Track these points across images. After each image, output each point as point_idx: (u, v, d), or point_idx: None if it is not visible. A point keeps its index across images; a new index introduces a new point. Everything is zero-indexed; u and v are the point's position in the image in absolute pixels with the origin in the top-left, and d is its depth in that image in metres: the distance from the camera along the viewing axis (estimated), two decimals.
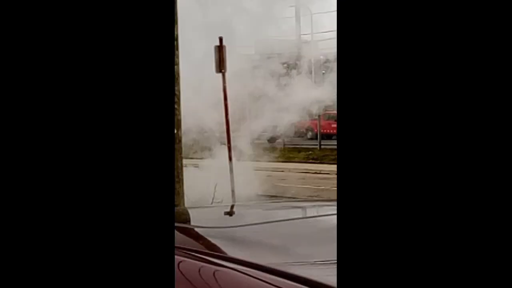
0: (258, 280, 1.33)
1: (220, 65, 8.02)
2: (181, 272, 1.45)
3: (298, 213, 2.53)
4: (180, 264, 1.47)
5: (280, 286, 1.29)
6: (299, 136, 22.33)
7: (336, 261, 1.10)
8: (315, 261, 1.49)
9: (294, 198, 11.62)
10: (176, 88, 5.52)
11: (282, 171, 16.31)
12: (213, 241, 1.81)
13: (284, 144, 21.51)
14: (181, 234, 1.83)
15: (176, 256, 1.37)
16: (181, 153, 5.79)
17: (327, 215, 2.23)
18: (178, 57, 5.70)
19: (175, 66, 5.45)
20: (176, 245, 1.32)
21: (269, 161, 15.29)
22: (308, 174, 16.16)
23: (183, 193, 5.81)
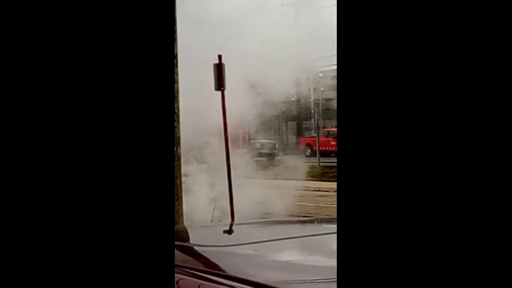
0: None
1: (219, 83, 8.02)
2: None
3: (297, 231, 2.52)
4: (180, 282, 1.47)
5: None
6: (298, 154, 22.29)
7: (335, 279, 1.10)
8: (314, 279, 1.48)
9: (293, 215, 11.57)
10: (175, 105, 5.52)
11: (281, 188, 16.24)
12: (213, 259, 1.80)
13: (283, 162, 21.46)
14: (180, 253, 1.82)
15: (175, 274, 1.36)
16: (180, 171, 5.78)
17: (327, 234, 2.22)
18: (177, 75, 5.70)
19: (175, 84, 5.46)
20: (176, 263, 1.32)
21: (268, 179, 15.23)
22: (307, 192, 16.09)
23: (182, 211, 5.78)
